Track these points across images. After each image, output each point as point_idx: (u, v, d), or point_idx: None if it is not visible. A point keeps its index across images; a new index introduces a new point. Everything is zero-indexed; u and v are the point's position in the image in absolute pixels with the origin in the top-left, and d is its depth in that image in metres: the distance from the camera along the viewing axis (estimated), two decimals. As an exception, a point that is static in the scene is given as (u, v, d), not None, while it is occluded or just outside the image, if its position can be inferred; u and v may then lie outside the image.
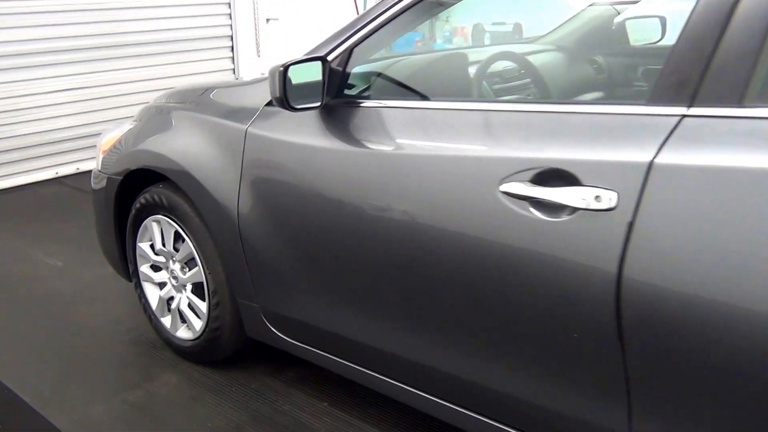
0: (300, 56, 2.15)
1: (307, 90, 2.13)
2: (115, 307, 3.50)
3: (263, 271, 2.42)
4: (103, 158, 3.09)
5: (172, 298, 2.95)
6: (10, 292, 3.70)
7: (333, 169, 2.14)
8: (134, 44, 6.02)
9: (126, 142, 2.95)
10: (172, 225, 2.75)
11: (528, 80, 2.82)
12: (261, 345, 2.70)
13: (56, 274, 3.93)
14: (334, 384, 2.72)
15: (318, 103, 2.15)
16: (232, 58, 6.74)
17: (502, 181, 1.73)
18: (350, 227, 2.11)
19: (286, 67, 2.07)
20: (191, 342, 2.87)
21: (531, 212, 1.68)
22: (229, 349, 2.79)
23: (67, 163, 5.86)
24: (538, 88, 2.78)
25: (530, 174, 1.69)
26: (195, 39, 6.41)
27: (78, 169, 5.92)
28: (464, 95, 2.64)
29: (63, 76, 5.66)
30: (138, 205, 2.90)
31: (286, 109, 2.10)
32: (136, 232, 2.97)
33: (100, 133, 6.03)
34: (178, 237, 2.80)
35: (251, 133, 2.40)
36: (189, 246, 2.70)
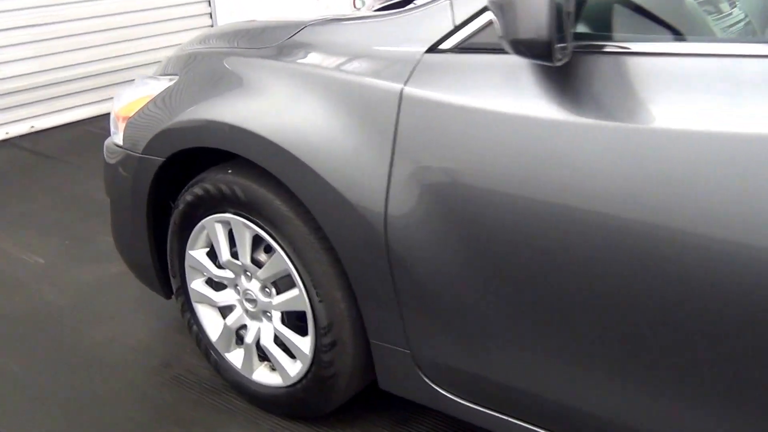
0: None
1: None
2: (135, 326, 2.60)
3: (428, 304, 1.60)
4: (127, 130, 2.16)
5: (244, 327, 2.09)
6: (-17, 309, 2.75)
7: (569, 157, 1.32)
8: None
9: (167, 108, 2.02)
10: (250, 228, 1.88)
11: None
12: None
13: (40, 275, 2.98)
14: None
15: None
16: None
17: None
18: (601, 250, 1.31)
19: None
20: (280, 390, 2.03)
21: None
22: (339, 401, 1.96)
23: (19, 120, 4.79)
24: None
25: None
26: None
27: (33, 127, 4.86)
28: None
29: (13, 10, 4.53)
30: (190, 198, 2.00)
31: (542, 59, 1.26)
32: (184, 234, 2.07)
33: (61, 83, 5.05)
34: (257, 244, 1.93)
35: (411, 96, 1.54)
36: (282, 260, 1.84)
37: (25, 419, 2.13)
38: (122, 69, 5.16)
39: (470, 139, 1.45)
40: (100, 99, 5.11)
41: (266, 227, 1.85)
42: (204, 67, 2.00)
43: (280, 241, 1.83)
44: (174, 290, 2.23)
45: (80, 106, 5.04)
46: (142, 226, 2.20)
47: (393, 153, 1.55)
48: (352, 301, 1.79)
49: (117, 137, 2.22)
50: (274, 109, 1.76)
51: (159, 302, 2.60)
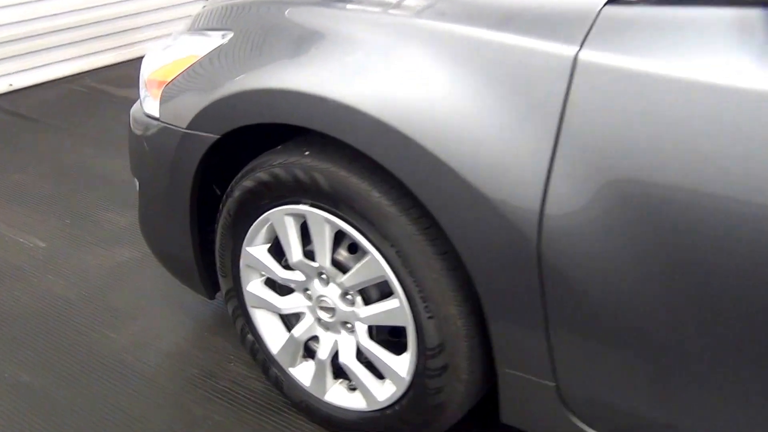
0: None
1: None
2: (164, 327, 2.22)
3: (592, 330, 1.25)
4: (166, 98, 1.75)
5: (314, 339, 1.73)
6: (-20, 305, 2.34)
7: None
8: None
9: (222, 72, 1.62)
10: (332, 224, 1.52)
11: None
12: None
13: (41, 262, 2.58)
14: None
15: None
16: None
17: None
18: None
19: None
20: (362, 414, 1.68)
21: None
22: (442, 430, 1.62)
23: (-5, 77, 4.31)
24: None
25: None
26: None
27: (11, 85, 4.36)
28: None
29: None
30: (252, 185, 1.62)
31: None
32: (241, 228, 1.69)
33: (42, 35, 4.48)
34: (337, 241, 1.56)
35: (588, 63, 1.16)
36: (378, 265, 1.47)
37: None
38: (109, 19, 4.66)
39: (675, 122, 1.09)
40: (85, 53, 4.62)
41: (357, 224, 1.48)
42: (273, 21, 1.60)
43: (376, 243, 1.47)
44: (223, 292, 1.85)
45: (63, 61, 4.54)
46: (182, 215, 1.81)
47: (558, 137, 1.19)
48: (471, 318, 1.44)
49: (150, 106, 1.82)
50: (380, 78, 1.37)
51: (189, 297, 2.23)
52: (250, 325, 1.82)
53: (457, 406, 1.55)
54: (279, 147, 1.63)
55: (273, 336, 1.79)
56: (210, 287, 1.94)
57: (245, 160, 1.71)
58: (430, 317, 1.46)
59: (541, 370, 1.36)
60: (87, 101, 4.26)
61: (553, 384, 1.36)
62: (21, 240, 2.72)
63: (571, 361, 1.32)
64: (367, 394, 1.65)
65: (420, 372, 1.53)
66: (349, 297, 1.61)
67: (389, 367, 1.58)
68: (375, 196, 1.44)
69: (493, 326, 1.38)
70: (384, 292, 1.56)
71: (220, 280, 1.84)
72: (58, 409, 1.88)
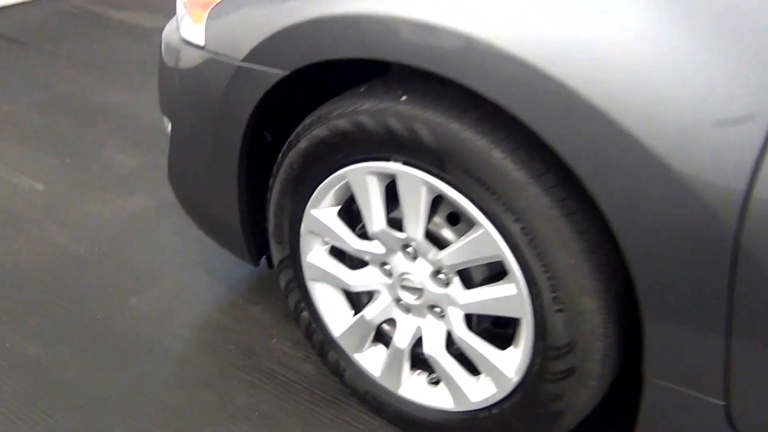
0: None
1: None
2: (192, 293, 1.92)
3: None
4: (214, 22, 1.42)
5: (390, 323, 1.44)
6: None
7: None
8: None
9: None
10: (433, 188, 1.22)
11: None
12: None
13: (42, 209, 2.24)
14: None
15: None
16: None
17: None
18: None
19: None
20: (446, 415, 1.41)
21: None
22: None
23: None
24: None
25: None
26: None
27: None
28: None
29: None
30: (325, 135, 1.30)
31: None
32: (304, 186, 1.38)
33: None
34: (433, 208, 1.26)
35: None
36: (491, 242, 1.17)
37: (53, 423, 1.48)
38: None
39: None
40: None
41: (468, 191, 1.17)
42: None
43: (493, 214, 1.16)
44: (276, 261, 1.55)
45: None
46: (229, 167, 1.49)
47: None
48: (611, 315, 1.15)
49: (190, 30, 1.47)
50: (525, 7, 1.04)
51: (219, 258, 1.92)
52: (307, 301, 1.52)
53: (574, 416, 1.27)
54: (362, 88, 1.31)
55: (336, 316, 1.50)
56: (255, 252, 1.63)
57: (308, 101, 1.39)
58: (559, 310, 1.16)
59: (708, 385, 1.08)
60: (79, 23, 3.85)
61: (723, 403, 1.08)
62: (15, 181, 2.38)
63: (754, 379, 1.04)
64: (456, 392, 1.37)
65: (535, 373, 1.25)
66: (442, 277, 1.31)
67: (491, 363, 1.30)
68: (497, 156, 1.13)
69: (651, 328, 1.09)
70: (492, 274, 1.26)
71: (273, 246, 1.53)
72: (72, 390, 1.59)
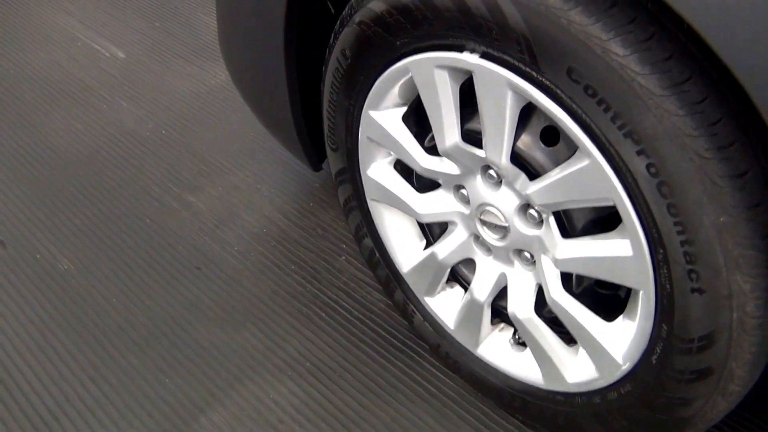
0: None
1: None
2: (263, 190, 1.64)
3: None
4: None
5: (469, 264, 1.10)
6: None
7: None
8: None
9: None
10: (521, 91, 0.83)
11: None
12: None
13: (117, 80, 2.02)
14: None
15: None
16: None
17: None
18: None
19: None
20: (533, 391, 1.07)
21: None
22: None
23: None
24: None
25: None
26: None
27: None
28: None
29: None
30: (383, 10, 0.93)
31: None
32: (361, 79, 1.02)
33: None
34: (524, 120, 0.88)
35: None
36: (605, 180, 0.78)
37: (89, 354, 1.28)
38: None
39: None
40: None
41: (573, 101, 0.78)
42: None
43: (607, 141, 0.76)
44: (333, 173, 1.22)
45: None
46: (275, 45, 1.15)
47: None
48: (774, 302, 0.75)
49: None
50: None
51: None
52: (369, 226, 1.20)
53: (704, 425, 0.90)
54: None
55: (403, 247, 1.18)
56: (314, 154, 1.32)
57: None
58: (696, 290, 0.78)
59: None
60: None
61: None
62: (96, 47, 2.16)
63: None
64: (547, 366, 1.03)
65: (655, 366, 0.88)
66: (533, 213, 0.94)
67: (593, 338, 0.94)
68: (617, 52, 0.72)
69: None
70: (602, 219, 0.88)
71: (329, 154, 1.21)
72: (94, 317, 1.38)
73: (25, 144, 1.79)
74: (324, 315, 1.33)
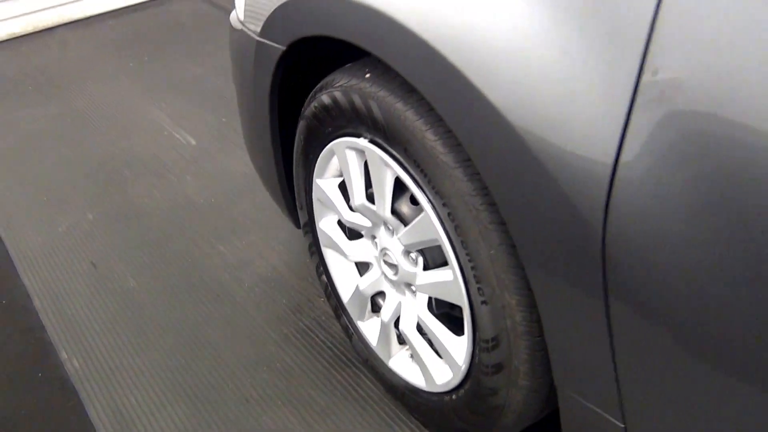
0: None
1: None
2: (273, 249, 2.09)
3: (671, 349, 0.86)
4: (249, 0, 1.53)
5: (382, 295, 1.48)
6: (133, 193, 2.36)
7: None
8: None
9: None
10: (389, 166, 1.21)
11: None
12: None
13: (188, 161, 2.54)
14: None
15: None
16: None
17: None
18: None
19: None
20: (423, 395, 1.41)
21: None
22: (506, 432, 1.31)
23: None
24: None
25: None
26: None
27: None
28: None
29: None
30: (315, 109, 1.36)
31: None
32: (309, 156, 1.45)
33: None
34: (403, 188, 1.27)
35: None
36: (432, 226, 1.16)
37: (142, 345, 1.72)
38: None
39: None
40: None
41: (411, 170, 1.17)
42: None
43: (430, 197, 1.15)
44: (301, 224, 1.64)
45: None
46: (265, 132, 1.60)
47: (643, 62, 0.79)
48: (536, 313, 1.09)
49: (238, 6, 1.60)
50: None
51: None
52: (324, 266, 1.60)
53: (516, 416, 1.22)
54: (348, 65, 1.34)
55: (344, 282, 1.57)
56: (297, 215, 1.74)
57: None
58: (484, 303, 1.13)
59: (606, 401, 1.00)
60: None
61: (622, 426, 0.99)
62: (176, 135, 2.71)
63: (643, 397, 0.94)
64: (425, 372, 1.38)
65: (476, 364, 1.22)
66: (413, 255, 1.32)
67: (445, 348, 1.29)
68: (430, 138, 1.12)
69: (547, 330, 1.03)
70: (442, 258, 1.25)
71: (299, 211, 1.63)
72: (145, 317, 1.83)
73: (118, 203, 2.32)
74: (298, 336, 1.73)
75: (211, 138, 2.66)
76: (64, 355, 1.73)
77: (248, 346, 1.71)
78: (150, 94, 3.05)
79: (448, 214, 1.12)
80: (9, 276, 2.02)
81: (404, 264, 1.33)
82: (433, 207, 1.16)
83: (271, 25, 1.40)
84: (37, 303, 1.91)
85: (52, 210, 2.32)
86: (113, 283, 1.95)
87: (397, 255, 1.34)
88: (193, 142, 2.65)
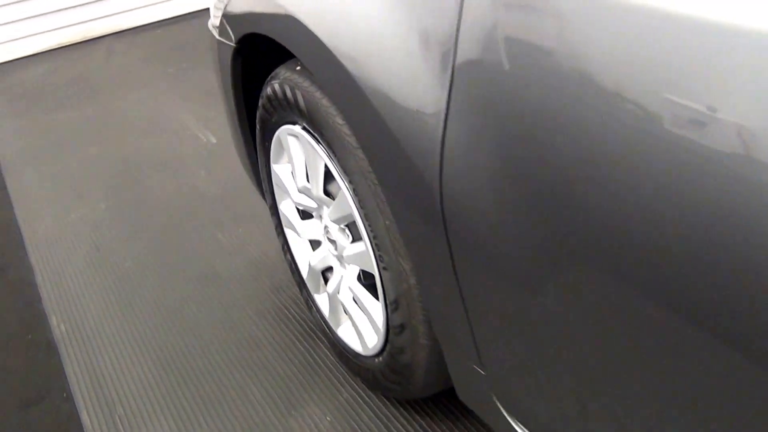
0: None
1: None
2: (265, 234, 2.24)
3: (499, 297, 0.98)
4: (216, 3, 1.70)
5: (330, 270, 1.62)
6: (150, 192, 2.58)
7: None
8: None
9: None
10: (316, 151, 1.36)
11: None
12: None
13: (204, 157, 2.74)
14: None
15: None
16: None
17: None
18: None
19: None
20: (362, 359, 1.55)
21: None
22: (420, 395, 1.44)
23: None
24: None
25: None
26: None
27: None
28: None
29: None
30: (263, 100, 1.52)
31: None
32: (265, 144, 1.62)
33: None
34: (327, 172, 1.42)
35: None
36: (346, 199, 1.30)
37: (127, 316, 1.92)
38: None
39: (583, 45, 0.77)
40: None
41: (329, 152, 1.32)
42: None
43: (341, 175, 1.30)
44: (268, 206, 1.81)
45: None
46: (234, 122, 1.78)
47: (453, 71, 0.91)
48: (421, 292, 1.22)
49: (212, 13, 1.78)
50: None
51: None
52: (287, 245, 1.76)
53: (425, 372, 1.35)
54: (290, 60, 1.50)
55: (302, 259, 1.72)
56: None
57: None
58: (384, 269, 1.27)
59: (468, 351, 1.12)
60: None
61: (484, 373, 1.11)
62: (199, 134, 2.92)
63: (493, 345, 1.06)
64: (360, 337, 1.52)
65: (389, 327, 1.35)
66: (345, 233, 1.46)
67: (369, 313, 1.43)
68: (339, 122, 1.26)
69: (423, 290, 1.16)
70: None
71: (266, 195, 1.79)
72: (139, 297, 2.02)
73: (131, 195, 2.54)
74: (272, 312, 1.89)
75: (230, 137, 2.85)
76: (54, 321, 1.94)
77: (224, 320, 1.88)
78: (183, 98, 3.28)
79: (354, 189, 1.26)
80: (18, 255, 2.26)
81: (340, 239, 1.48)
82: (347, 186, 1.30)
83: (223, 26, 1.57)
84: (38, 278, 2.13)
85: (69, 200, 2.56)
86: (111, 264, 2.16)
87: (334, 231, 1.49)
88: (214, 141, 2.85)
